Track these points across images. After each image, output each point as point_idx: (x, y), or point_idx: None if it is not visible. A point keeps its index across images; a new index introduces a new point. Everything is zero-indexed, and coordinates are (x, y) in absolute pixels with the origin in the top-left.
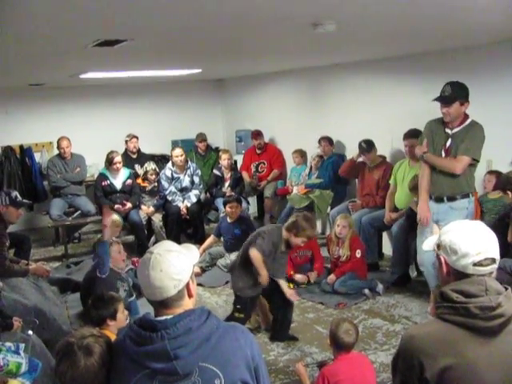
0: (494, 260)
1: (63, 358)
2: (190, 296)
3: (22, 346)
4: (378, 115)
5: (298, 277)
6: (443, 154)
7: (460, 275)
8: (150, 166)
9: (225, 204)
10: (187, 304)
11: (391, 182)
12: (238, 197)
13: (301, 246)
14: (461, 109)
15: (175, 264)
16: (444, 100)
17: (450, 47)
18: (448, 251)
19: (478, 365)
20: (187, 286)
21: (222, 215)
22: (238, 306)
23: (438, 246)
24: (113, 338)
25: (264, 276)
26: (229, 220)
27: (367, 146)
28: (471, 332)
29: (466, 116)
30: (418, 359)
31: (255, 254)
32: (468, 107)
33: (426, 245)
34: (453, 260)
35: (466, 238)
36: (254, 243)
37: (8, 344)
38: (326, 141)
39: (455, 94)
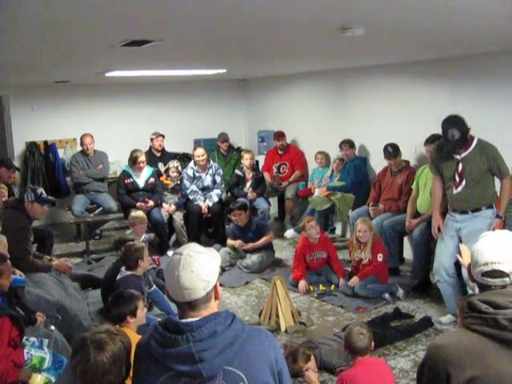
0: (503, 273)
1: (76, 351)
2: (216, 298)
3: (46, 341)
4: (402, 119)
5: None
6: (457, 178)
7: (479, 284)
8: (173, 163)
9: (228, 212)
10: (213, 306)
11: (413, 187)
12: (242, 203)
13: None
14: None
15: (205, 265)
16: (461, 145)
17: (476, 52)
18: (471, 258)
19: (504, 377)
20: (215, 287)
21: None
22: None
23: None
24: (132, 335)
25: None
26: (240, 225)
27: (393, 151)
28: (499, 344)
29: (471, 137)
30: (444, 369)
31: None
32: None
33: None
34: (471, 268)
35: (483, 248)
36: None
37: (32, 339)
38: (347, 144)
39: (464, 132)
